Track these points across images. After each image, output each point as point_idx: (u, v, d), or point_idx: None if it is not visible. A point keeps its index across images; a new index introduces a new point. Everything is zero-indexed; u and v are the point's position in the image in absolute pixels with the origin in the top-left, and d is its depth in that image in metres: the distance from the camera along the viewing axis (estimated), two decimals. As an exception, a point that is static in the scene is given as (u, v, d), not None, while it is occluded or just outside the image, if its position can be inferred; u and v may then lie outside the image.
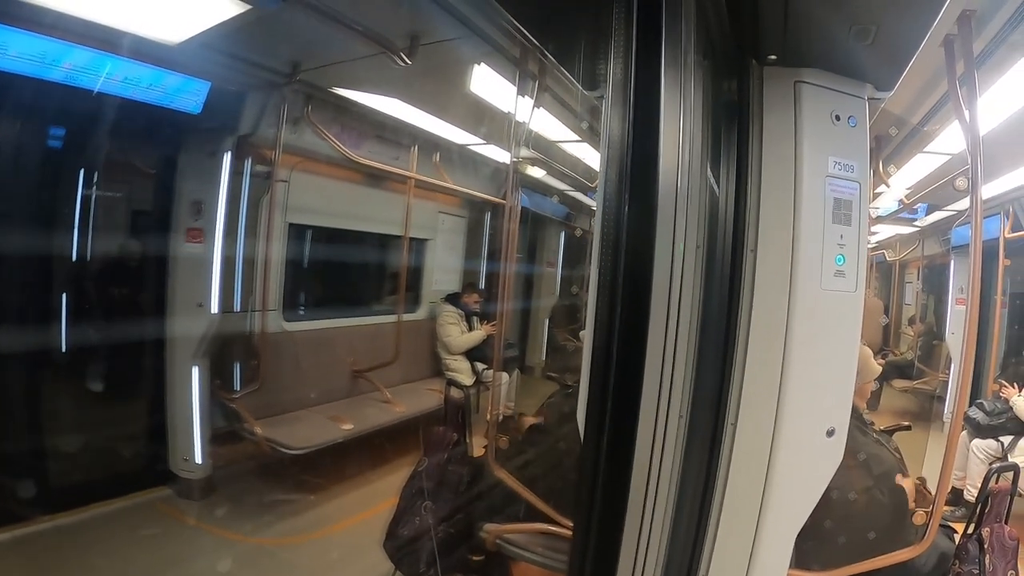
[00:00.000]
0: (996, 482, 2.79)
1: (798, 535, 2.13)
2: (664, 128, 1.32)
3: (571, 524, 2.75)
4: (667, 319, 1.43)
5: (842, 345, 2.03)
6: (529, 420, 3.41)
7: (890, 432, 3.33)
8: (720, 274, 1.93)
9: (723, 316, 1.97)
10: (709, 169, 1.83)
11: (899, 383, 8.03)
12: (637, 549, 1.54)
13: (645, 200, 1.32)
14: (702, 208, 1.71)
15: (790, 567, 2.21)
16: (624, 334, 1.36)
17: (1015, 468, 2.86)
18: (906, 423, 3.67)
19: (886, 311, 9.56)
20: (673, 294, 1.43)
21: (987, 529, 2.65)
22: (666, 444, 1.57)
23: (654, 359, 1.39)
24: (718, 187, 1.94)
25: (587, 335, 1.58)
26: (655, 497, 1.56)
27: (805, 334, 1.95)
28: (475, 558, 3.10)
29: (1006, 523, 2.73)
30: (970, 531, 2.74)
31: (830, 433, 2.03)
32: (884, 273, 10.17)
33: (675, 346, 1.49)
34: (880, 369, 3.04)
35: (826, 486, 2.09)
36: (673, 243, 1.42)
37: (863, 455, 2.62)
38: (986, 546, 2.62)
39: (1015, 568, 2.70)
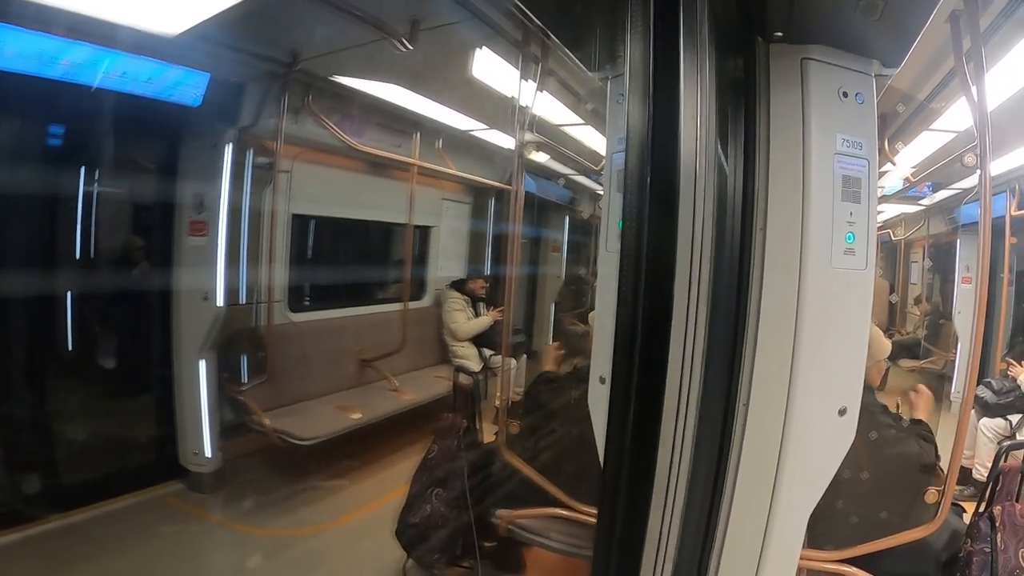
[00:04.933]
0: (1006, 460, 2.79)
1: (811, 515, 2.13)
2: (684, 108, 1.31)
3: (585, 508, 2.77)
4: (688, 302, 1.42)
5: (853, 323, 2.01)
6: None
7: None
8: (730, 254, 1.92)
9: (733, 296, 1.96)
10: (719, 148, 1.82)
11: (906, 363, 8.02)
12: (660, 532, 1.54)
13: (667, 181, 1.31)
14: (712, 188, 1.70)
15: (803, 547, 2.21)
16: (648, 319, 1.35)
17: None
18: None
19: (892, 290, 9.53)
20: (694, 277, 1.42)
21: (998, 508, 2.64)
22: (687, 428, 1.56)
23: (677, 343, 1.39)
24: (727, 166, 1.92)
25: (597, 319, 1.57)
26: (677, 480, 1.55)
27: (816, 313, 1.94)
28: (488, 544, 3.10)
29: (1017, 501, 2.73)
30: (981, 510, 2.73)
31: (842, 412, 2.02)
32: (889, 252, 10.13)
33: (695, 329, 1.48)
34: (890, 347, 3.02)
35: (839, 465, 2.08)
36: (693, 225, 1.41)
37: (875, 434, 2.61)
38: (998, 524, 2.61)
39: None
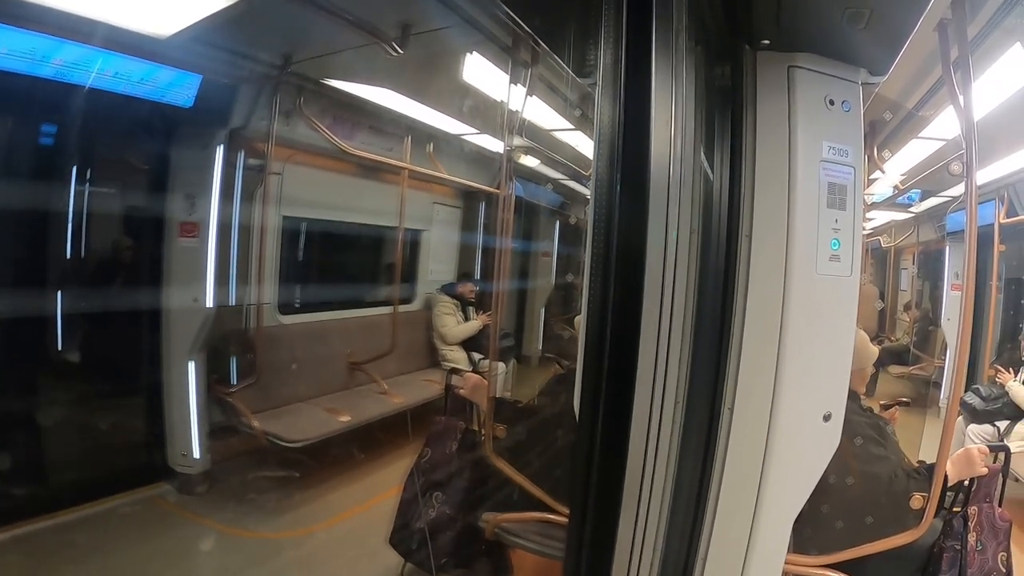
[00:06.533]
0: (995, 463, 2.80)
1: (796, 520, 2.14)
2: (655, 114, 1.32)
3: (568, 511, 2.76)
4: (660, 305, 1.43)
5: (838, 330, 2.03)
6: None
7: (888, 407, 3.33)
8: (715, 260, 1.93)
9: (719, 302, 1.97)
10: (703, 155, 1.83)
11: (895, 369, 8.05)
12: (634, 535, 1.54)
13: (637, 187, 1.32)
14: (696, 194, 1.71)
15: (788, 551, 2.22)
16: (618, 321, 1.36)
17: (1005, 449, 2.87)
18: (904, 399, 3.65)
19: (881, 297, 9.58)
20: (667, 280, 1.43)
21: (973, 508, 2.66)
22: (662, 430, 1.57)
23: (648, 345, 1.39)
24: (712, 173, 1.93)
25: (581, 323, 1.58)
26: (651, 483, 1.56)
27: (801, 319, 1.95)
28: (477, 547, 3.09)
29: (999, 505, 2.74)
30: (957, 509, 2.74)
31: (827, 418, 2.03)
32: (879, 259, 10.17)
33: (669, 332, 1.49)
34: (877, 352, 3.04)
35: (823, 471, 2.10)
36: (666, 229, 1.42)
37: (860, 439, 2.62)
38: (971, 524, 2.62)
39: (1007, 550, 2.71)
